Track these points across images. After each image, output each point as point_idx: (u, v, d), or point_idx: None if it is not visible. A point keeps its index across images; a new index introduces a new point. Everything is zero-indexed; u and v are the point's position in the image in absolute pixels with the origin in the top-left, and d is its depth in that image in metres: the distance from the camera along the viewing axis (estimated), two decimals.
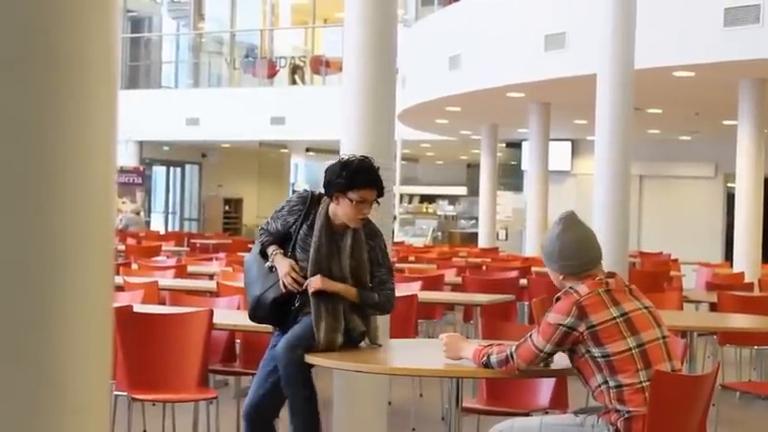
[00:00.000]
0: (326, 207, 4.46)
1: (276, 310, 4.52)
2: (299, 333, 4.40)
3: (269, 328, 4.81)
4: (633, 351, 3.63)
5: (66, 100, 1.33)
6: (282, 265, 4.49)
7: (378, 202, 4.45)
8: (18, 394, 1.30)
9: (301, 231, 4.51)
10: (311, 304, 4.40)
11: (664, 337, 3.74)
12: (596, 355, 3.65)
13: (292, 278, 4.44)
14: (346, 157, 4.49)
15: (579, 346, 3.69)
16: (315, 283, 4.41)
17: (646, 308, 3.77)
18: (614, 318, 3.67)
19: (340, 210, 4.41)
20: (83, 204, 1.35)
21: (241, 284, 6.58)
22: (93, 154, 1.37)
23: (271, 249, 4.56)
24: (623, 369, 3.62)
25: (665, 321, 3.84)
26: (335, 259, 4.44)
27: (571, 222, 3.86)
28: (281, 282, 4.49)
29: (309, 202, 4.52)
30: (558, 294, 3.78)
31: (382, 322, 4.97)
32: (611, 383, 3.64)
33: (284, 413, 4.68)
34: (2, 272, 1.29)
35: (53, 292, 1.32)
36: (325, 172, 4.47)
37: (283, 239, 4.58)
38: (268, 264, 4.56)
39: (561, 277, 3.81)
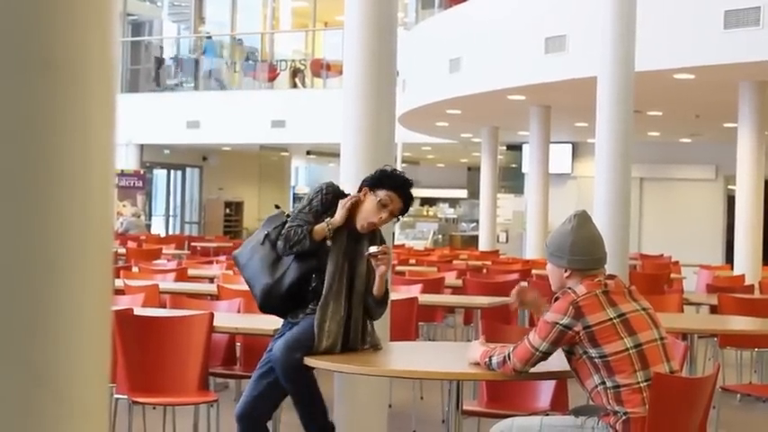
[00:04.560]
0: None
1: (291, 296, 4.49)
2: (297, 336, 4.38)
3: (269, 329, 4.80)
4: (630, 351, 3.64)
5: (64, 103, 1.33)
6: (339, 208, 4.44)
7: (398, 218, 4.52)
8: (15, 399, 1.30)
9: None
10: (319, 307, 4.36)
11: (662, 339, 3.75)
12: (593, 355, 3.66)
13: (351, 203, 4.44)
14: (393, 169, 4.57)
15: (576, 346, 3.70)
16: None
17: (644, 309, 3.78)
18: (611, 318, 3.68)
19: (364, 206, 4.43)
20: (81, 207, 1.35)
21: (242, 287, 6.59)
22: (92, 157, 1.37)
23: (321, 225, 4.44)
24: (620, 369, 3.63)
25: (663, 323, 3.85)
26: (358, 268, 4.46)
27: (586, 220, 3.92)
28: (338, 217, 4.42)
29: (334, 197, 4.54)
30: (557, 294, 3.80)
31: (382, 325, 4.97)
32: (609, 384, 3.64)
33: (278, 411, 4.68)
34: None
35: (50, 296, 1.32)
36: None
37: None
38: (328, 229, 4.43)
39: (566, 274, 3.82)
